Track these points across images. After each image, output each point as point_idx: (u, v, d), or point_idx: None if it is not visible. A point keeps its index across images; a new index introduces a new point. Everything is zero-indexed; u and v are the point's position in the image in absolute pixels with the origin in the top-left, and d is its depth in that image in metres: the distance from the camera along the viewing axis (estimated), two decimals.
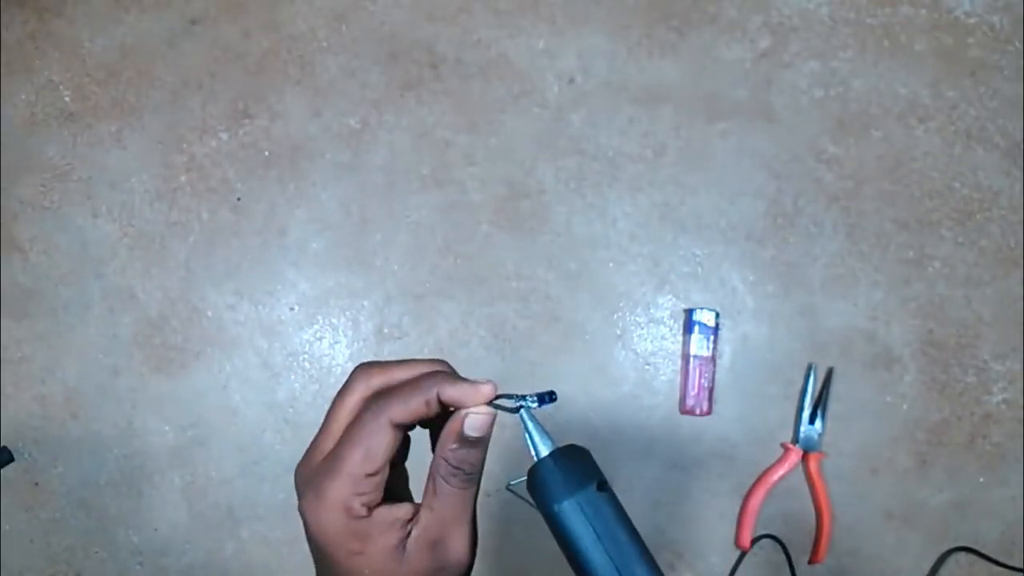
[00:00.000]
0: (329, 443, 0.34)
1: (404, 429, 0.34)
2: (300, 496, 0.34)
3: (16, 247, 0.91)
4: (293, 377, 0.89)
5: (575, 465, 0.35)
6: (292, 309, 0.90)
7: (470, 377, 0.35)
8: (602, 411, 0.87)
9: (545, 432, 0.36)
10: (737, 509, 0.86)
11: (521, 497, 0.36)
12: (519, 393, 0.36)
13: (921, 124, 0.88)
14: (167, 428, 0.89)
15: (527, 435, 0.36)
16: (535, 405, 0.36)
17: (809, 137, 0.88)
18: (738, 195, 0.88)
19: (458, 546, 0.34)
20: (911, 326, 0.87)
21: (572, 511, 0.34)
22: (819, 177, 0.88)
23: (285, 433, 0.89)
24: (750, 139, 0.89)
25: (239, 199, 0.90)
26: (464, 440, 0.34)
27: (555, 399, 0.37)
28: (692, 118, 0.89)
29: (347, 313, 0.89)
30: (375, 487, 0.33)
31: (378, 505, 0.33)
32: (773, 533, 0.87)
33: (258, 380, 0.89)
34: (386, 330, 0.89)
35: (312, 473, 0.34)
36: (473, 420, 0.34)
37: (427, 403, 0.33)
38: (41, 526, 0.89)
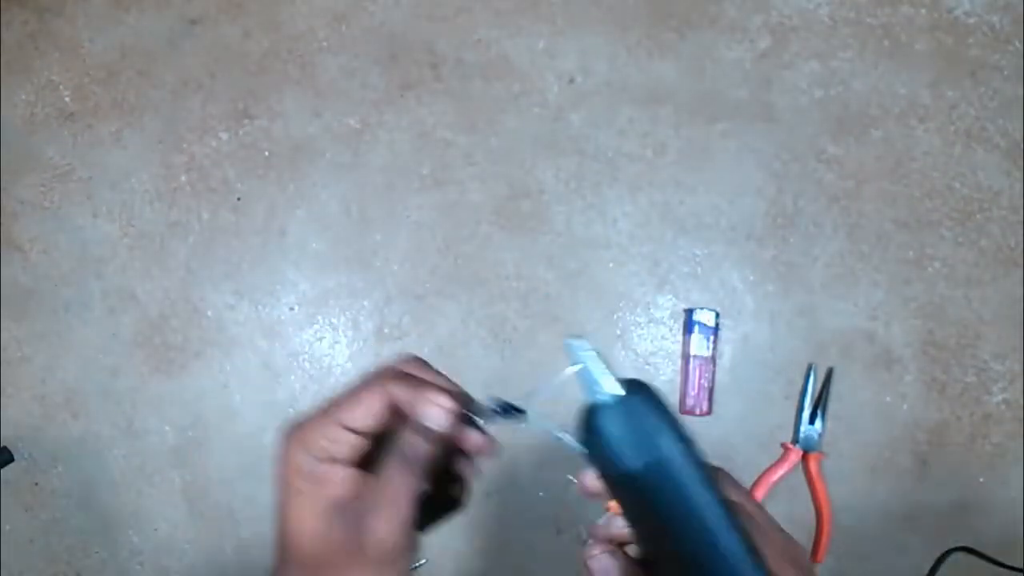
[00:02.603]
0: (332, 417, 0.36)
1: (396, 415, 0.36)
2: (284, 432, 0.36)
3: (16, 247, 0.91)
4: (293, 377, 0.89)
5: (659, 410, 0.29)
6: (292, 309, 0.90)
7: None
8: None
9: (607, 370, 0.30)
10: None
11: (575, 449, 0.31)
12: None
13: (921, 124, 0.88)
14: (167, 428, 0.89)
15: (586, 374, 0.31)
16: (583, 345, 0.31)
17: (809, 137, 0.88)
18: (738, 195, 0.88)
19: (383, 528, 0.34)
20: (911, 326, 0.87)
21: (659, 470, 0.29)
22: (819, 177, 0.88)
23: None
24: (750, 139, 0.89)
25: (239, 199, 0.90)
26: (418, 427, 0.35)
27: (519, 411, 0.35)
28: (692, 118, 0.89)
29: (347, 313, 0.89)
30: (346, 443, 0.35)
31: (338, 463, 0.35)
32: None
33: (258, 380, 0.89)
34: (386, 330, 0.89)
35: (303, 416, 0.36)
36: (429, 410, 0.35)
37: (392, 404, 0.36)
38: (41, 526, 0.89)
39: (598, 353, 0.31)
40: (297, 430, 0.35)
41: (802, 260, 0.88)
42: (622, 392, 0.30)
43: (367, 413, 0.35)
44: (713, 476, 0.31)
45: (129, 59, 0.92)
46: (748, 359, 0.87)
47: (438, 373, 0.40)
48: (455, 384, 0.39)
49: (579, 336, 0.31)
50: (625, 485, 0.30)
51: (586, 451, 0.31)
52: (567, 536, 0.85)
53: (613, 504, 0.32)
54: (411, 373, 0.38)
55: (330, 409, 0.35)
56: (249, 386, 0.89)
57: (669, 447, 0.29)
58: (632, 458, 0.29)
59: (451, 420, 0.36)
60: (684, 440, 0.29)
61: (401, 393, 0.36)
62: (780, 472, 0.85)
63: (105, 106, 0.92)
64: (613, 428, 0.30)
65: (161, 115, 0.91)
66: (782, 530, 0.35)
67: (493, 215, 0.89)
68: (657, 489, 0.29)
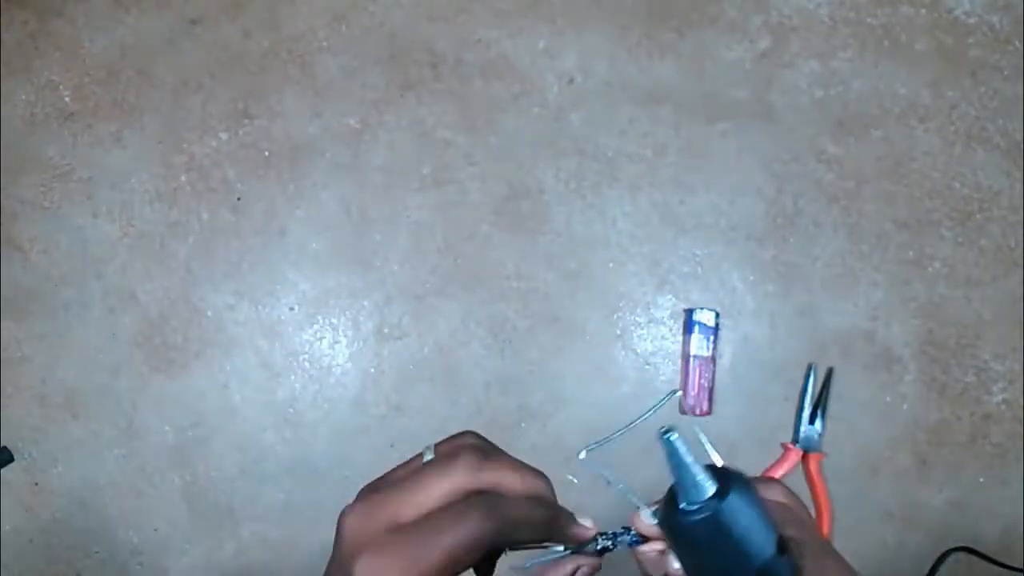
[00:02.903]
0: (409, 511, 0.31)
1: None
2: (358, 549, 0.31)
3: (16, 247, 0.91)
4: (293, 377, 0.89)
5: (758, 512, 0.29)
6: (292, 309, 0.90)
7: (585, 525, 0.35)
8: (602, 411, 0.87)
9: (704, 467, 0.30)
10: None
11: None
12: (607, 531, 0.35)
13: (921, 124, 0.88)
14: (167, 428, 0.89)
15: (682, 473, 0.30)
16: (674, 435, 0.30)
17: (809, 137, 0.88)
18: (738, 195, 0.88)
19: (436, 556, 0.30)
20: (911, 326, 0.87)
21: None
22: (819, 177, 0.88)
23: (285, 433, 0.89)
24: (750, 139, 0.89)
25: (239, 199, 0.90)
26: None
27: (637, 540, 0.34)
28: (692, 118, 0.89)
29: (347, 313, 0.89)
30: None
31: None
32: None
33: (258, 380, 0.89)
34: (386, 330, 0.89)
35: (382, 533, 0.31)
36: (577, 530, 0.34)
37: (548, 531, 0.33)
38: (41, 526, 0.89)
39: (687, 446, 0.30)
40: (378, 562, 0.30)
41: (802, 260, 0.88)
42: (712, 495, 0.29)
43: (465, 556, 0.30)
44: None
45: (129, 59, 0.92)
46: (748, 359, 0.87)
47: (508, 463, 0.34)
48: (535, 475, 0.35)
49: (671, 429, 0.30)
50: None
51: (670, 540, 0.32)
52: None
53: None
54: (493, 467, 0.33)
55: (421, 549, 0.30)
56: (249, 386, 0.89)
57: (770, 555, 0.29)
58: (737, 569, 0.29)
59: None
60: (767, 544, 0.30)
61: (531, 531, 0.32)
62: (780, 472, 0.85)
63: (105, 106, 0.92)
64: (699, 535, 0.29)
65: (161, 115, 0.91)
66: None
67: (493, 215, 0.89)
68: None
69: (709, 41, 0.90)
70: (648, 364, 0.88)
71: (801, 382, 0.87)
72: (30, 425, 0.90)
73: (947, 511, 0.86)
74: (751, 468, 0.86)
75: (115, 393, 0.89)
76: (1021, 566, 0.84)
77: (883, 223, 0.88)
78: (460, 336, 0.88)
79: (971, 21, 0.89)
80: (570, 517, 0.35)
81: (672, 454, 0.29)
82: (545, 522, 0.33)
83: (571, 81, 0.90)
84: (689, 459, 0.29)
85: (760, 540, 0.29)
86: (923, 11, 0.89)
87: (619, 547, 0.34)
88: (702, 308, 0.86)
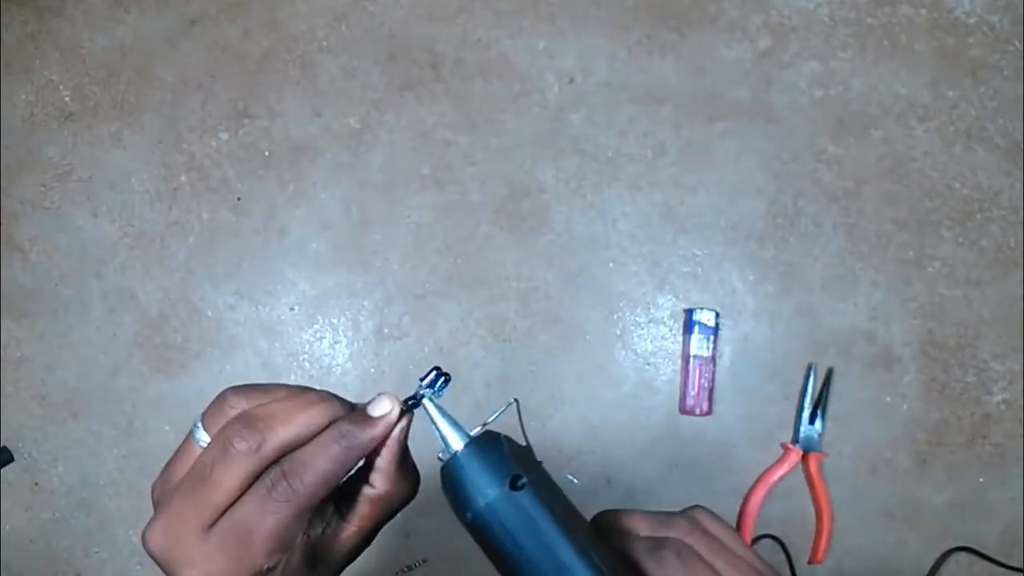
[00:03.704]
0: (210, 515, 0.30)
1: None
2: (178, 568, 0.31)
3: (16, 247, 0.91)
4: (293, 377, 0.89)
5: (485, 462, 0.32)
6: (292, 309, 0.90)
7: (374, 404, 0.33)
8: (602, 411, 0.87)
9: (454, 423, 0.33)
10: (737, 509, 0.86)
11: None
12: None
13: (921, 124, 0.88)
14: (167, 428, 0.89)
15: (437, 431, 0.33)
16: (432, 390, 0.34)
17: (809, 137, 0.88)
18: (738, 195, 0.88)
19: (257, 550, 0.30)
20: (911, 326, 0.87)
21: (486, 519, 0.31)
22: (819, 177, 0.88)
23: None
24: (750, 139, 0.89)
25: (239, 199, 0.90)
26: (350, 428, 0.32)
27: (447, 380, 0.34)
28: (692, 118, 0.89)
29: (347, 313, 0.89)
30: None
31: None
32: (773, 533, 0.87)
33: (258, 380, 0.89)
34: (386, 330, 0.89)
35: (194, 546, 0.31)
36: (376, 404, 0.33)
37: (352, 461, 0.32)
38: (41, 526, 0.89)
39: (441, 409, 0.33)
40: (162, 527, 0.31)
41: (802, 260, 0.88)
42: (460, 447, 0.32)
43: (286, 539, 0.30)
44: (568, 511, 0.32)
45: (129, 59, 0.92)
46: (748, 359, 0.87)
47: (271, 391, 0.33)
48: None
49: (432, 382, 0.34)
50: (472, 532, 0.32)
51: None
52: None
53: None
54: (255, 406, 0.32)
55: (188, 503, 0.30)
56: None
57: (496, 495, 0.31)
58: (463, 510, 0.31)
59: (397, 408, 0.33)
60: (523, 484, 0.31)
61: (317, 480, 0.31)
62: (780, 472, 0.85)
63: (105, 106, 0.92)
64: (450, 483, 0.32)
65: (161, 115, 0.91)
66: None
67: (493, 215, 0.89)
68: (490, 537, 0.31)
69: (709, 41, 0.90)
70: (648, 364, 0.88)
71: (801, 382, 0.87)
72: (30, 425, 0.90)
73: (947, 511, 0.86)
74: (751, 468, 0.86)
75: (115, 393, 0.89)
76: (1021, 566, 0.85)
77: (883, 223, 0.88)
78: (460, 336, 0.88)
79: (971, 21, 0.89)
80: (362, 415, 0.33)
81: (428, 416, 0.33)
82: (346, 450, 0.31)
83: (571, 81, 0.90)
84: (440, 420, 0.33)
85: (484, 484, 0.31)
86: (923, 11, 0.89)
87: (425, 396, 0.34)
88: (702, 308, 0.86)
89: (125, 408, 0.89)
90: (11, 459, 0.89)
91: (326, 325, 0.90)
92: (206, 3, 0.92)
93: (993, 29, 0.89)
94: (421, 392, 0.34)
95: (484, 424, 0.33)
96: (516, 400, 0.35)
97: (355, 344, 0.89)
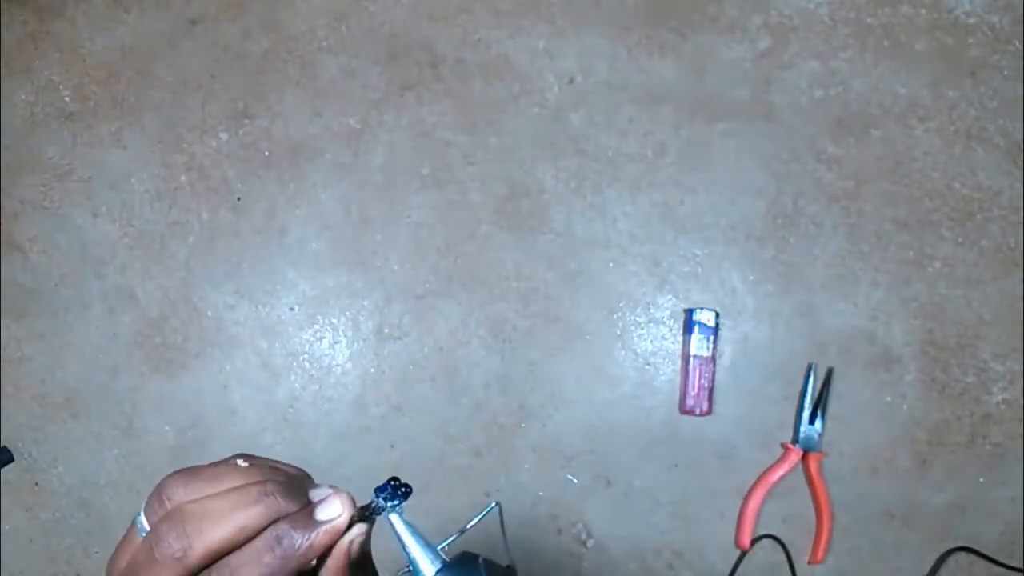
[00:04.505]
0: (124, 559, 0.29)
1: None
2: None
3: (16, 247, 0.91)
4: (293, 377, 0.89)
5: None
6: (292, 309, 0.90)
7: (319, 499, 0.29)
8: (602, 411, 0.87)
9: (427, 544, 0.29)
10: (737, 509, 0.86)
11: None
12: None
13: (921, 124, 0.88)
14: (167, 428, 0.89)
15: (405, 552, 0.29)
16: (393, 504, 0.29)
17: (809, 137, 0.88)
18: (738, 195, 0.88)
19: None
20: (911, 326, 0.87)
21: None
22: (819, 177, 0.88)
23: (285, 433, 0.89)
24: (750, 139, 0.89)
25: (239, 199, 0.90)
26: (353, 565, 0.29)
27: (408, 492, 0.30)
28: (692, 118, 0.89)
29: (347, 313, 0.89)
30: None
31: None
32: (773, 533, 0.87)
33: (258, 380, 0.89)
34: (386, 330, 0.89)
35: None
36: (357, 546, 0.29)
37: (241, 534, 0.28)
38: (41, 526, 0.89)
39: (410, 526, 0.29)
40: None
41: (802, 260, 0.88)
42: (432, 574, 0.29)
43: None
44: None
45: (129, 59, 0.92)
46: (748, 359, 0.87)
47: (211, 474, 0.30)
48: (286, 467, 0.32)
49: (396, 499, 0.29)
50: None
51: None
52: (567, 536, 0.85)
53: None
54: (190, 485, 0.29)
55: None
56: (249, 386, 0.89)
57: None
58: None
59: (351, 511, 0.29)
60: None
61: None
62: (780, 472, 0.85)
63: (105, 106, 0.92)
64: None
65: (161, 115, 0.91)
66: None
67: (493, 215, 0.89)
68: None
69: (709, 41, 0.90)
70: (648, 364, 0.88)
71: (801, 382, 0.87)
72: (30, 425, 0.90)
73: (947, 511, 0.86)
74: (751, 468, 0.86)
75: (115, 393, 0.89)
76: (1021, 566, 0.85)
77: (883, 223, 0.88)
78: (460, 336, 0.88)
79: (971, 21, 0.89)
80: (305, 518, 0.29)
81: (394, 534, 0.29)
82: (280, 559, 0.28)
83: (571, 81, 0.90)
84: (410, 540, 0.29)
85: None
86: (923, 11, 0.89)
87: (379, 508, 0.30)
88: (702, 308, 0.86)
89: (125, 408, 0.89)
90: (11, 459, 0.89)
91: (326, 325, 0.90)
92: (206, 3, 0.92)
93: (993, 29, 0.89)
94: (379, 504, 0.29)
95: (462, 531, 0.31)
96: (498, 503, 0.32)
97: (355, 344, 0.89)
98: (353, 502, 0.29)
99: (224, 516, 0.27)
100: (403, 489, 0.29)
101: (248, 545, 0.28)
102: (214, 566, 0.27)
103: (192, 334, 0.90)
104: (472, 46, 0.91)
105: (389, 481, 0.29)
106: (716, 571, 0.87)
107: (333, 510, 0.29)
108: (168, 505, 0.28)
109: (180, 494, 0.28)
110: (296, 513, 0.29)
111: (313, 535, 0.28)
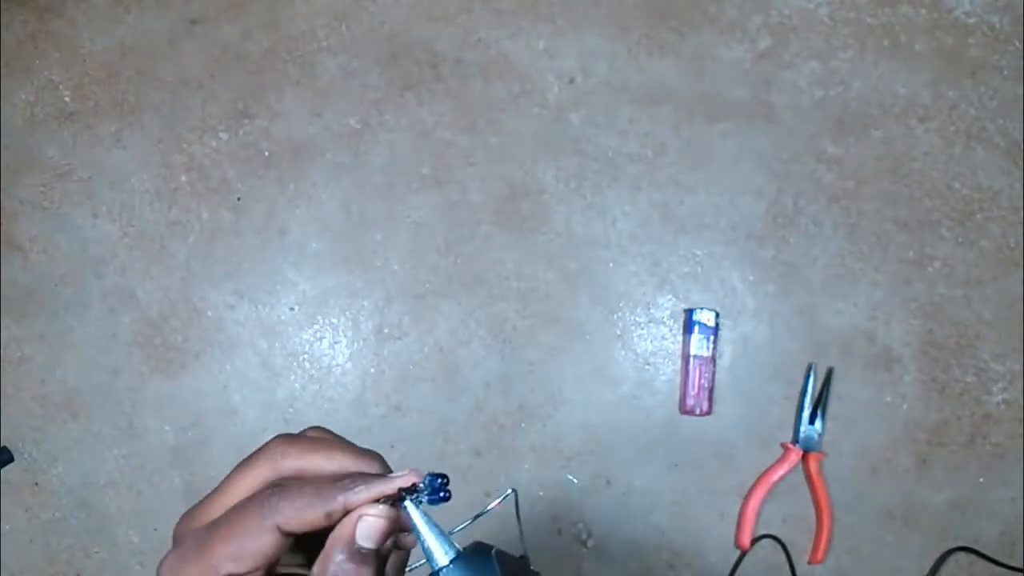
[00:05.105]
0: (216, 510, 0.29)
1: (298, 535, 0.28)
2: (173, 548, 0.30)
3: (16, 247, 0.91)
4: (293, 377, 0.89)
5: None
6: (292, 309, 0.90)
7: (398, 473, 0.29)
8: (602, 411, 0.87)
9: (442, 534, 0.29)
10: (737, 509, 0.87)
11: None
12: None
13: (921, 124, 0.88)
14: (167, 428, 0.89)
15: (419, 541, 0.29)
16: (423, 501, 0.29)
17: (809, 137, 0.89)
18: (738, 195, 0.88)
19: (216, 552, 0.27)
20: (911, 326, 0.87)
21: None
22: (819, 177, 0.88)
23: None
24: (750, 139, 0.89)
25: (239, 199, 0.90)
26: (355, 553, 0.27)
27: (447, 495, 0.29)
28: (692, 118, 0.89)
29: (347, 313, 0.89)
30: None
31: None
32: (773, 533, 0.87)
33: (258, 380, 0.89)
34: (386, 330, 0.89)
35: (187, 537, 0.29)
36: (367, 526, 0.28)
37: (328, 516, 0.27)
38: (41, 526, 0.89)
39: (425, 515, 0.29)
40: (177, 564, 0.28)
41: (802, 260, 0.88)
42: (445, 563, 0.29)
43: (250, 556, 0.27)
44: None
45: (129, 59, 0.92)
46: (748, 359, 0.87)
47: (323, 448, 0.30)
48: (359, 451, 0.31)
49: (417, 492, 0.29)
50: None
51: None
52: (567, 536, 0.85)
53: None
54: (300, 456, 0.29)
55: (206, 549, 0.27)
56: (249, 386, 0.89)
57: None
58: None
59: (390, 530, 0.28)
60: None
61: (300, 504, 0.27)
62: (780, 472, 0.85)
63: (105, 106, 0.92)
64: None
65: (161, 115, 0.91)
66: None
67: (493, 215, 0.89)
68: None
69: (709, 41, 0.90)
70: (648, 364, 0.88)
71: (801, 382, 0.87)
72: (30, 425, 0.90)
73: (947, 511, 0.86)
74: (751, 468, 0.86)
75: (115, 393, 0.89)
76: (1021, 566, 0.85)
77: (883, 223, 0.88)
78: (460, 336, 0.88)
79: (971, 21, 0.89)
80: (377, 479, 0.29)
81: (410, 522, 0.29)
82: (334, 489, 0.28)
83: (571, 81, 0.90)
84: (424, 528, 0.29)
85: None
86: (923, 11, 0.89)
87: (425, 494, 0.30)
88: (702, 308, 0.86)
89: (125, 408, 0.89)
90: (11, 459, 0.89)
91: (326, 325, 0.90)
92: (206, 3, 0.92)
93: (993, 29, 0.89)
94: (420, 488, 0.29)
95: (477, 517, 0.30)
96: (514, 490, 0.31)
97: (355, 344, 0.89)
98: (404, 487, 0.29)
99: (331, 499, 0.28)
100: (443, 494, 0.29)
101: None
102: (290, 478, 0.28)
103: (192, 334, 0.90)
104: (472, 46, 0.91)
105: (438, 477, 0.30)
106: (716, 571, 0.87)
107: (394, 483, 0.29)
108: (282, 464, 0.29)
109: (293, 458, 0.29)
110: (368, 475, 0.29)
111: (355, 491, 0.28)
